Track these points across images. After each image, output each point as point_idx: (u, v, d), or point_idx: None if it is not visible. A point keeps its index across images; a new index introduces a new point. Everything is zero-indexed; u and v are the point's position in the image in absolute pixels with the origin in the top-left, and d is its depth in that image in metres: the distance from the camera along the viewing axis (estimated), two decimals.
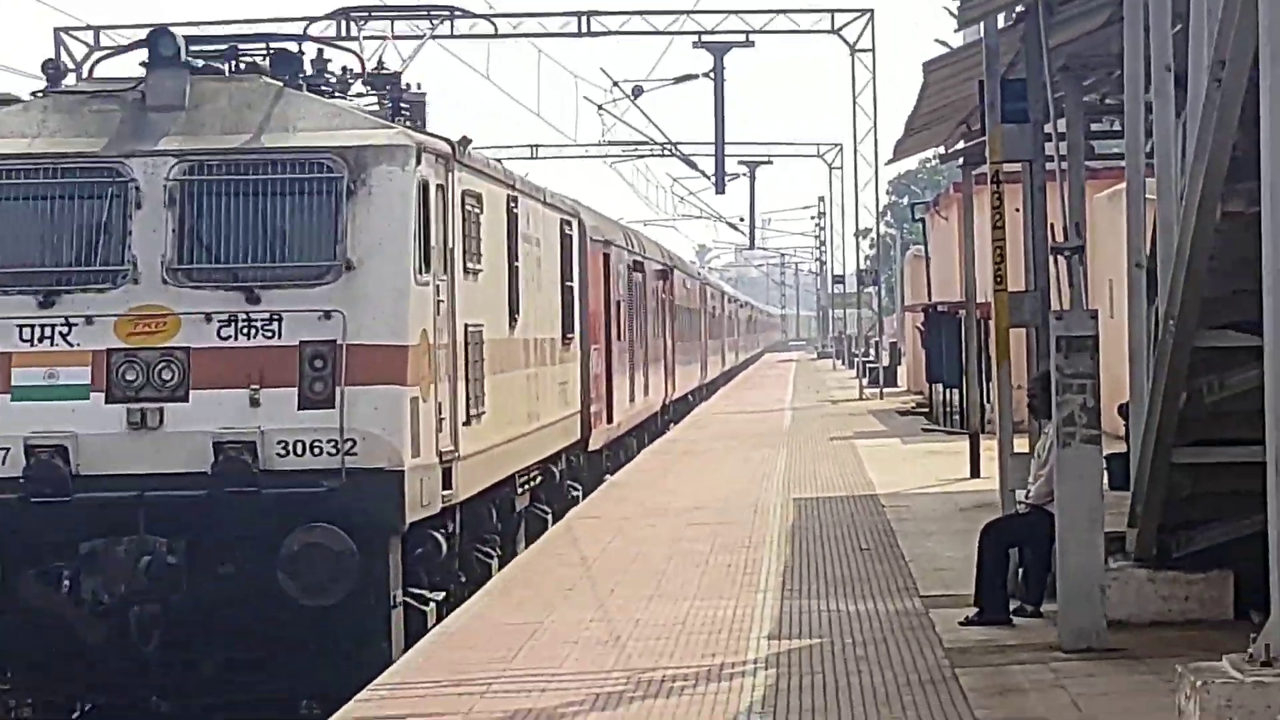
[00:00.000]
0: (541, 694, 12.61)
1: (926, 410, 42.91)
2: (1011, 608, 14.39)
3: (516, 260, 19.27)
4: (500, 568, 17.86)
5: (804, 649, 14.32)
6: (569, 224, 25.19)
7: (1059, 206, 19.60)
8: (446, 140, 15.63)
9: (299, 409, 12.92)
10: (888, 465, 31.70)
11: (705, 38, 45.21)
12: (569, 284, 24.44)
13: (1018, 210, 21.24)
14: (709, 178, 54.89)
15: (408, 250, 13.76)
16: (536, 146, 57.31)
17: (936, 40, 27.92)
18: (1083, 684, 12.16)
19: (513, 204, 19.37)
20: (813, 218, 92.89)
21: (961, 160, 29.12)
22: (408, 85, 17.81)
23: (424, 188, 14.20)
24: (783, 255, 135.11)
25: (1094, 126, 23.30)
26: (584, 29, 44.61)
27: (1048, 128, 20.24)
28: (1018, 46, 20.55)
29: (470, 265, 16.31)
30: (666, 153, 57.00)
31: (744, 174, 58.19)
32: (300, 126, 13.57)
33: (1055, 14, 18.78)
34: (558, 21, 43.52)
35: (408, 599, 14.46)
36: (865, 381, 61.19)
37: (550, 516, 23.40)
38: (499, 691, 11.13)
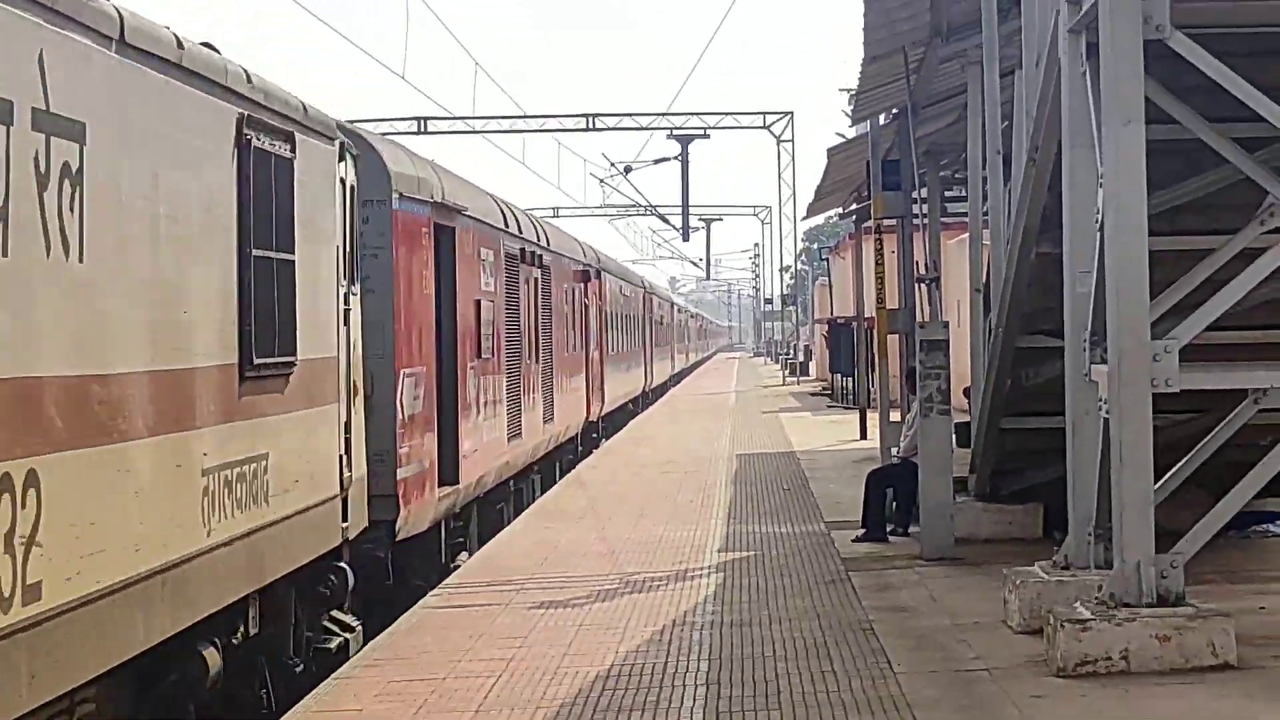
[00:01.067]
0: (560, 590, 12.98)
1: (829, 393, 46.37)
2: (888, 530, 15.37)
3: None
4: None
5: (744, 559, 15.00)
6: (314, 153, 9.82)
7: (922, 249, 22.73)
8: None
9: None
10: (802, 431, 33.14)
11: (676, 132, 52.62)
12: (324, 272, 10.43)
13: (893, 252, 23.50)
14: (677, 230, 62.78)
15: None
16: (558, 209, 62.62)
17: (837, 133, 29.12)
18: (938, 582, 13.25)
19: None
20: (751, 258, 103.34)
21: (854, 217, 32.07)
22: None
23: None
24: (729, 284, 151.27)
25: (946, 194, 25.68)
26: (590, 126, 52.00)
27: (916, 194, 22.44)
28: (893, 138, 22.52)
29: None
30: (648, 212, 63.87)
31: (702, 227, 66.51)
32: None
33: (919, 115, 20.46)
34: (572, 120, 50.38)
35: None
36: (786, 372, 65.61)
37: None
38: (530, 589, 11.13)
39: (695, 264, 73.64)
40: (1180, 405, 11.22)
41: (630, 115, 53.14)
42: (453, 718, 8.62)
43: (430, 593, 12.33)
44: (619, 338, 35.88)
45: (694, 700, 8.97)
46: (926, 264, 20.95)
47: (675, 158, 54.36)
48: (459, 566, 14.15)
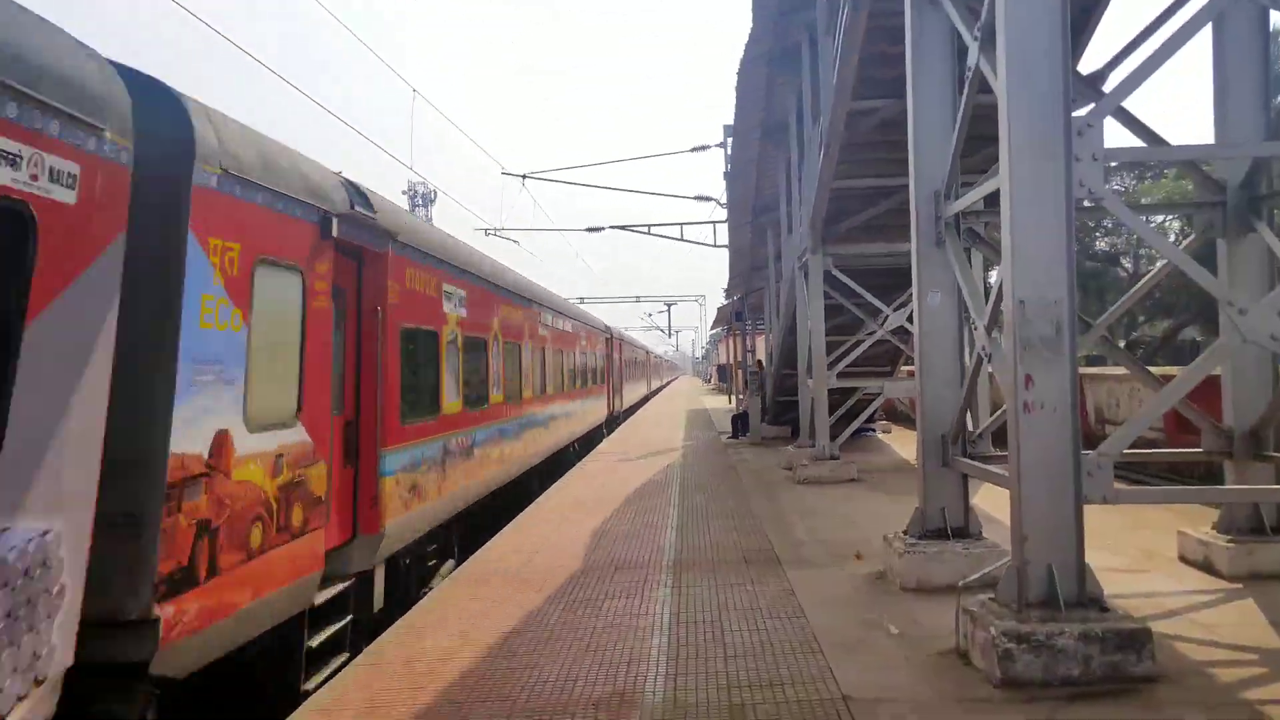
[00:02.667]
0: (624, 455, 18.20)
1: (721, 389, 57.15)
2: (737, 435, 21.79)
3: None
4: None
5: (690, 446, 19.38)
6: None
7: (746, 342, 30.07)
8: None
9: None
10: (710, 401, 41.82)
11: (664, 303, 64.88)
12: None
13: (737, 340, 32.37)
14: (663, 330, 76.77)
15: None
16: (584, 298, 62.66)
17: (723, 288, 36.48)
18: (756, 451, 18.92)
19: None
20: (694, 328, 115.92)
21: (727, 327, 41.37)
22: None
23: None
24: (680, 340, 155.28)
25: (758, 323, 31.64)
26: (587, 299, 57.60)
27: (748, 322, 30.54)
28: (739, 303, 30.41)
29: None
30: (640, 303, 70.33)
31: (665, 309, 73.23)
32: None
33: (749, 296, 28.96)
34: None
35: None
36: (707, 383, 77.31)
37: None
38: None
39: (662, 330, 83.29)
40: (839, 393, 16.46)
41: (623, 299, 65.65)
42: (596, 474, 14.10)
43: (586, 458, 17.29)
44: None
45: (677, 478, 14.83)
46: (748, 347, 29.08)
47: (664, 311, 67.49)
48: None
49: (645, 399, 51.30)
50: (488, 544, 10.40)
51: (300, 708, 5.59)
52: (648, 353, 59.55)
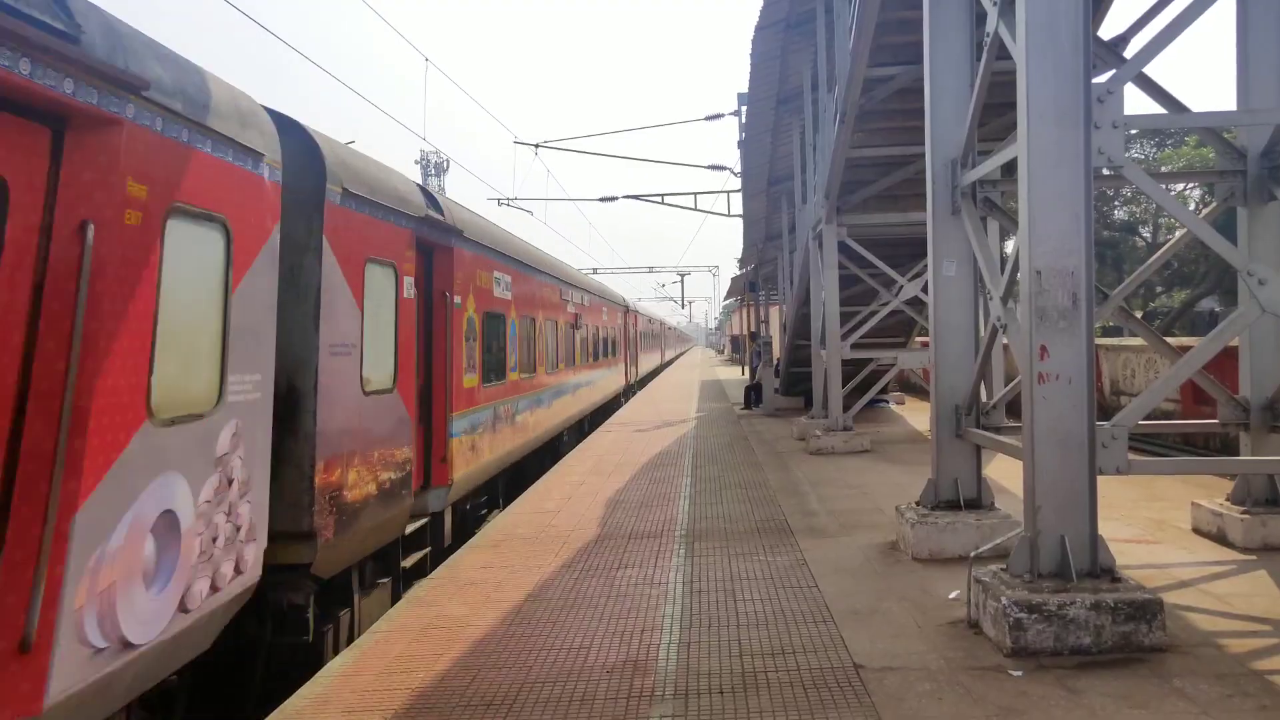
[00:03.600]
0: (644, 421, 18.81)
1: (734, 360, 58.74)
2: (752, 406, 21.98)
3: None
4: None
5: (704, 416, 19.75)
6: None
7: (761, 313, 29.82)
8: None
9: None
10: (723, 373, 42.67)
11: (677, 273, 64.79)
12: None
13: (750, 311, 31.47)
14: (676, 300, 76.21)
15: None
16: (598, 268, 61.48)
17: (735, 259, 36.87)
18: (768, 422, 19.08)
19: None
20: (707, 299, 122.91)
21: (740, 299, 41.24)
22: None
23: None
24: (693, 311, 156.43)
25: (772, 294, 31.29)
26: (600, 269, 56.77)
27: (762, 293, 30.68)
28: (753, 274, 30.28)
29: None
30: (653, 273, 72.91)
31: (678, 280, 72.48)
32: None
33: (763, 267, 28.93)
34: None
35: None
36: (724, 356, 78.11)
37: None
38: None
39: (675, 301, 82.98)
40: (852, 364, 16.45)
41: (634, 269, 66.70)
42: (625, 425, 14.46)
43: (600, 429, 17.36)
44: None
45: (691, 452, 14.90)
46: (762, 318, 29.22)
47: (677, 281, 66.86)
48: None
49: (659, 370, 53.21)
50: (505, 510, 10.56)
51: (322, 670, 5.69)
52: (662, 324, 61.23)
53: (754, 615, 6.24)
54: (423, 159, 53.76)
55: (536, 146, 24.96)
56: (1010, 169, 7.67)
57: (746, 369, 33.95)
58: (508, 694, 5.06)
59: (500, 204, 29.66)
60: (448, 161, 54.68)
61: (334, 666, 5.72)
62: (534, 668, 5.44)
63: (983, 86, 7.16)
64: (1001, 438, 7.13)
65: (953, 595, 6.38)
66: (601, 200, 28.32)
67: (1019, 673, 5.06)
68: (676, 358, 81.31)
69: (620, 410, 23.85)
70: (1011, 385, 7.65)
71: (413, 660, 5.70)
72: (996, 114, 10.50)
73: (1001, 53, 6.51)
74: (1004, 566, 5.81)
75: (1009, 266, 6.61)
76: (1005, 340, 7.02)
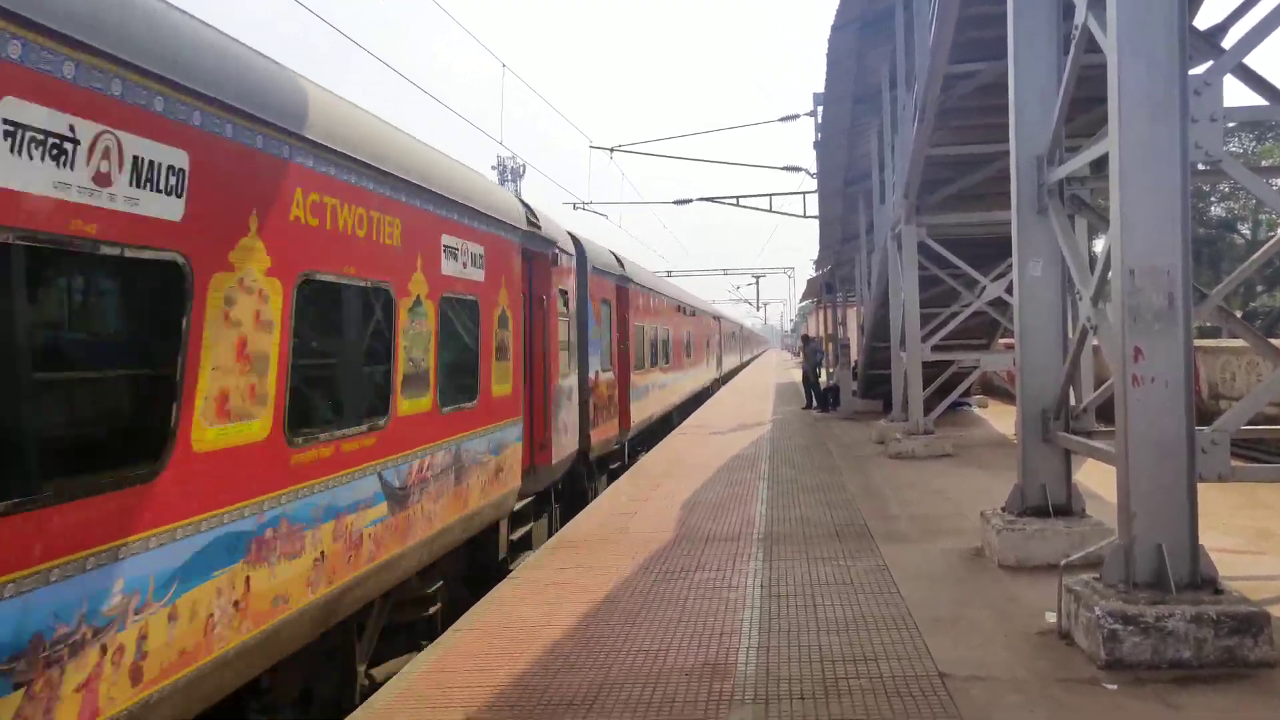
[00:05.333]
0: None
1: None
2: (828, 410, 21.92)
3: None
4: None
5: (779, 419, 20.16)
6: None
7: (837, 315, 30.15)
8: None
9: None
10: (799, 375, 37.15)
11: (752, 275, 65.86)
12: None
13: (826, 314, 31.46)
14: (751, 303, 78.40)
15: None
16: (672, 271, 61.12)
17: (812, 261, 36.88)
18: (845, 425, 19.11)
19: None
20: (782, 301, 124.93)
21: (816, 300, 41.28)
22: None
23: None
24: (768, 314, 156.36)
25: (849, 295, 31.61)
26: (674, 272, 56.92)
27: (839, 295, 31.48)
28: (829, 275, 30.70)
29: None
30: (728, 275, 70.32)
31: (752, 282, 72.26)
32: None
33: (839, 268, 29.45)
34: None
35: None
36: (799, 358, 76.25)
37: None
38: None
39: (750, 303, 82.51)
40: (933, 366, 16.35)
41: (707, 272, 71.17)
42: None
43: (675, 431, 17.32)
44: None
45: (767, 455, 14.89)
46: (839, 320, 29.54)
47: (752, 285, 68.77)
48: None
49: (738, 369, 56.43)
50: (583, 510, 10.64)
51: (410, 663, 5.80)
52: (740, 327, 63.71)
53: (834, 620, 6.16)
54: (499, 164, 54.23)
55: (611, 150, 25.12)
56: (1100, 165, 7.43)
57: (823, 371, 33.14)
58: (586, 694, 5.08)
59: (575, 208, 29.98)
60: (524, 166, 55.20)
61: (417, 663, 5.80)
62: (612, 669, 5.45)
63: (1070, 81, 6.94)
64: (1093, 442, 6.88)
65: (1050, 619, 6.12)
66: (676, 203, 28.35)
67: (1114, 686, 4.90)
68: (753, 359, 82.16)
69: (696, 412, 24.10)
70: (1103, 388, 7.37)
71: (493, 658, 5.76)
72: (1083, 109, 10.19)
73: (1091, 46, 6.31)
74: (1096, 576, 5.63)
75: (1099, 266, 6.39)
76: (1095, 342, 6.82)
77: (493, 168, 53.26)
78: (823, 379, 24.18)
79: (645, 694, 5.04)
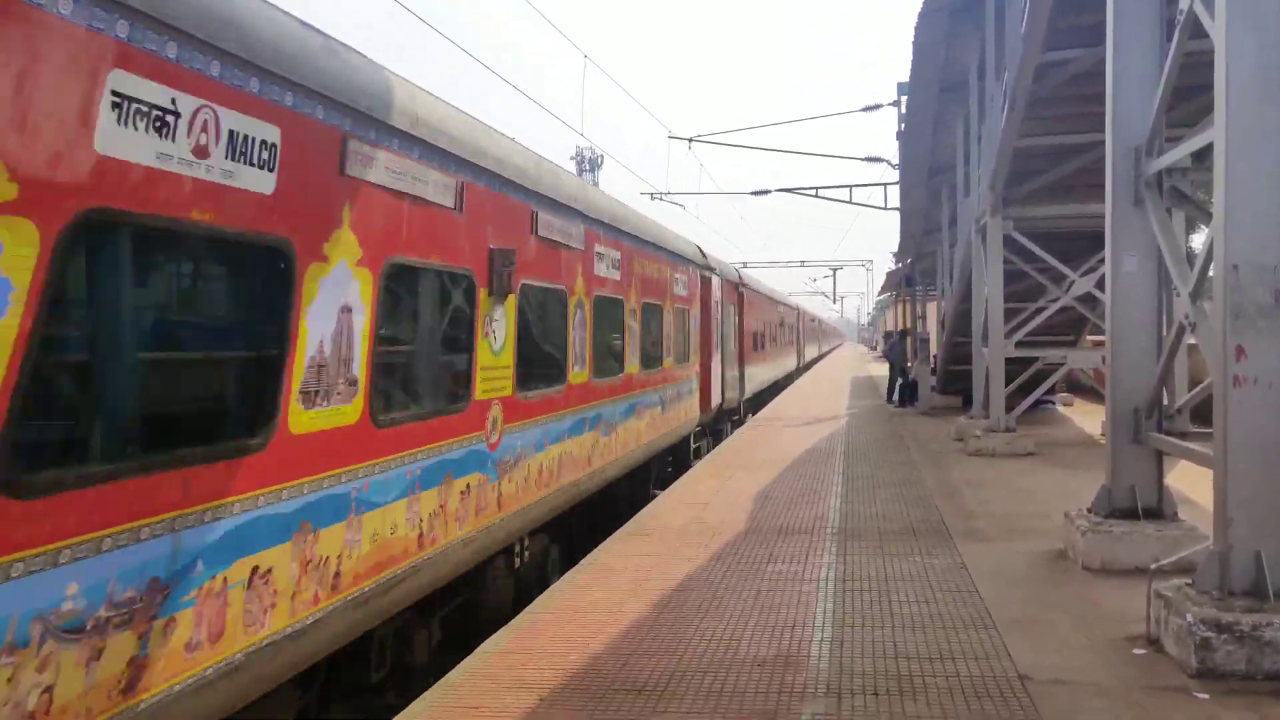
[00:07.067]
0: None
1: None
2: (906, 405, 21.63)
3: None
4: None
5: (855, 413, 19.93)
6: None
7: (918, 308, 30.58)
8: None
9: None
10: (875, 369, 39.86)
11: (829, 268, 66.63)
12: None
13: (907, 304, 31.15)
14: (827, 295, 78.46)
15: None
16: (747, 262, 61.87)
17: (891, 253, 35.90)
18: (924, 421, 18.74)
19: None
20: (860, 294, 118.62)
21: (895, 293, 41.87)
22: None
23: None
24: (844, 307, 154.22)
25: (929, 289, 31.43)
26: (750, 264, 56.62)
27: (920, 289, 31.34)
28: (910, 268, 30.26)
29: None
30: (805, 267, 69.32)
31: (829, 275, 71.68)
32: None
33: (920, 261, 28.85)
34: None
35: None
36: (877, 352, 78.91)
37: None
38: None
39: (826, 295, 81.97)
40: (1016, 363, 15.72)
41: (783, 264, 66.59)
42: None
43: (747, 423, 17.81)
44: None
45: (842, 450, 14.66)
46: (921, 315, 29.59)
47: (829, 277, 69.27)
48: None
49: (816, 360, 59.10)
50: (655, 500, 10.64)
51: (484, 644, 5.84)
52: (819, 321, 64.80)
53: (910, 617, 6.06)
54: (578, 154, 54.51)
55: (690, 140, 25.02)
56: (1202, 156, 7.14)
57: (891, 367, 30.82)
58: (658, 681, 5.07)
59: (653, 199, 30.02)
60: (602, 157, 55.39)
61: (491, 644, 5.86)
62: (684, 657, 5.44)
63: (1173, 68, 6.65)
64: (1188, 444, 6.62)
65: (1138, 625, 5.93)
66: (754, 194, 28.14)
67: (1205, 695, 4.72)
68: (829, 351, 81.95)
69: (770, 404, 23.99)
70: (1200, 388, 7.12)
71: (566, 643, 5.79)
72: (1181, 99, 9.80)
73: (1196, 31, 6.03)
74: (1188, 582, 5.42)
75: (1199, 261, 6.13)
76: (1192, 340, 6.56)
77: (571, 158, 53.67)
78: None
79: (716, 683, 5.01)
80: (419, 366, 6.08)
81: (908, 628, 5.86)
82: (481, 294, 6.59)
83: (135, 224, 3.57)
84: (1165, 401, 7.42)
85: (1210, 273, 5.69)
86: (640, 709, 4.72)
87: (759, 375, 24.36)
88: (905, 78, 17.10)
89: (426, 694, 5.11)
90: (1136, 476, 7.36)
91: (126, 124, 3.42)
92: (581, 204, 8.69)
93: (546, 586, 7.25)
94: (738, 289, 20.35)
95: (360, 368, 5.07)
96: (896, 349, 24.26)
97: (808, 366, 47.10)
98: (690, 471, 12.78)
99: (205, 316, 4.57)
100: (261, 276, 4.50)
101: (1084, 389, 22.92)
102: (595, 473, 9.34)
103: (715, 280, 16.94)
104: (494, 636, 6.05)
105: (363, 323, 5.06)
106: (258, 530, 4.27)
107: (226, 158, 3.98)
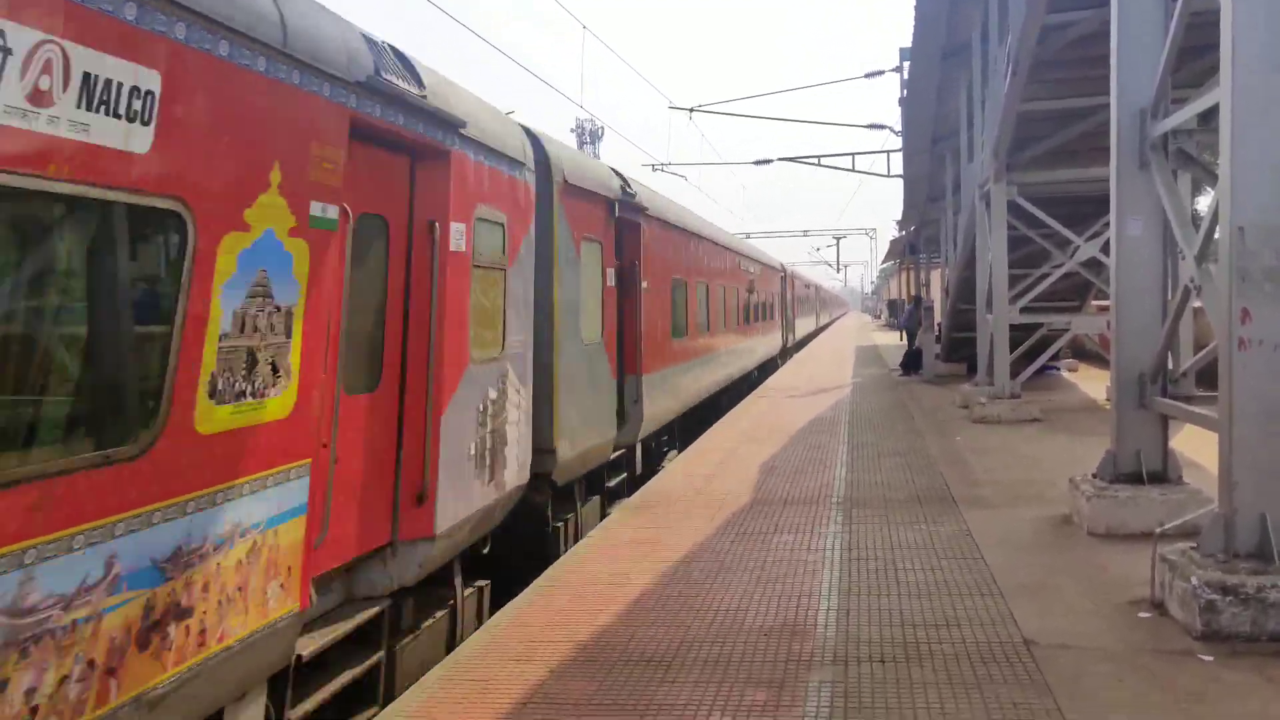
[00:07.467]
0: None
1: (890, 325, 58.22)
2: (910, 374, 21.34)
3: None
4: None
5: (859, 382, 19.93)
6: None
7: (921, 276, 31.29)
8: None
9: None
10: (880, 338, 40.58)
11: (833, 237, 66.64)
12: None
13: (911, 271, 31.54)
14: (830, 264, 78.68)
15: None
16: (750, 233, 59.93)
17: (895, 221, 35.75)
18: (928, 388, 18.59)
19: None
20: (863, 263, 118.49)
21: (899, 261, 41.74)
22: None
23: None
24: (848, 275, 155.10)
25: (933, 256, 30.97)
26: (753, 234, 57.87)
27: (922, 256, 31.31)
28: (914, 236, 30.32)
29: None
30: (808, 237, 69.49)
31: (833, 244, 71.75)
32: None
33: (924, 228, 28.56)
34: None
35: None
36: (881, 321, 78.04)
37: None
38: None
39: (830, 265, 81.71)
40: (1021, 329, 15.50)
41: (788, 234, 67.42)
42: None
43: (752, 395, 17.36)
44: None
45: (847, 419, 14.52)
46: (923, 281, 29.81)
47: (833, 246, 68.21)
48: None
49: (823, 328, 59.43)
50: (659, 473, 10.61)
51: (494, 616, 5.93)
52: (817, 288, 63.68)
53: (916, 585, 6.09)
54: (578, 126, 54.09)
55: (691, 110, 24.82)
56: (1208, 117, 7.08)
57: (903, 335, 30.22)
58: (666, 651, 5.11)
59: (654, 170, 29.82)
60: (602, 129, 55.00)
61: (501, 617, 5.91)
62: (691, 627, 5.48)
63: (1178, 29, 6.58)
64: (1193, 408, 6.62)
65: (1142, 589, 5.96)
66: (756, 164, 27.96)
67: (1209, 657, 4.74)
68: (831, 322, 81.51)
69: (773, 375, 23.82)
70: (1204, 351, 7.08)
71: (574, 615, 5.83)
72: (1190, 58, 9.70)
73: None
74: (1193, 545, 5.44)
75: (1205, 223, 6.12)
76: (1197, 303, 6.53)
77: (571, 130, 53.25)
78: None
79: (724, 652, 5.05)
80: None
81: (914, 595, 5.88)
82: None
83: None
84: (1170, 365, 7.41)
85: (1216, 235, 5.66)
86: (649, 679, 4.75)
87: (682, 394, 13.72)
88: (907, 42, 16.98)
89: (436, 667, 5.15)
90: (1142, 441, 7.36)
91: None
92: None
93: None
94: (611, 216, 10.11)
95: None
96: (913, 317, 23.72)
97: (822, 329, 47.34)
98: (697, 443, 12.52)
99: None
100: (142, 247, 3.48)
101: (1089, 354, 22.91)
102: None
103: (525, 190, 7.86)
104: (503, 609, 6.08)
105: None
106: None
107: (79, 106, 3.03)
